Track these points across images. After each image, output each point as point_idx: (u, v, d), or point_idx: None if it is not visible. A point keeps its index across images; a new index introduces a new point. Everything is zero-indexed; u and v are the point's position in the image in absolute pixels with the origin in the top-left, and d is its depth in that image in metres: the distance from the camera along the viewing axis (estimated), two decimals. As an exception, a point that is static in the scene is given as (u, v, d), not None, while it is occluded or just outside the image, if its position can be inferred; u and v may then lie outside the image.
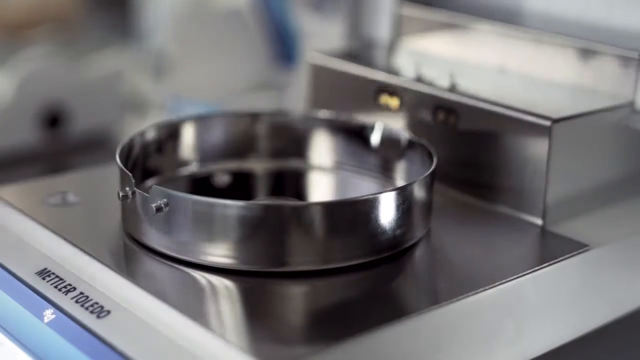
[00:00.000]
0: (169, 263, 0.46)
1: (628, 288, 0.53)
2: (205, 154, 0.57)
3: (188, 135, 0.57)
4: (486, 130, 0.54)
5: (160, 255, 0.46)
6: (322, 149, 0.58)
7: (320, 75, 0.65)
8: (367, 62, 0.67)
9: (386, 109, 0.60)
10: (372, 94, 0.60)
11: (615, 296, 0.53)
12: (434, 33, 0.67)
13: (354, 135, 0.57)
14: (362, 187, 0.56)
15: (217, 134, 0.58)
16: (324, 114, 0.59)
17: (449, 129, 0.56)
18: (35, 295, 0.45)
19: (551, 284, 0.48)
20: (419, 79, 0.61)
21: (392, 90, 0.60)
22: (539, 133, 0.52)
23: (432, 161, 0.50)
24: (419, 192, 0.48)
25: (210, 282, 0.45)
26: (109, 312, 0.43)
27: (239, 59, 1.04)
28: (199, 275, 0.45)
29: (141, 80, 1.08)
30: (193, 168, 0.57)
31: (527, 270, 0.46)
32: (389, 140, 0.56)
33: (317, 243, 0.45)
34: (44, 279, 0.46)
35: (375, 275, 0.46)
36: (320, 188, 0.59)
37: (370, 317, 0.41)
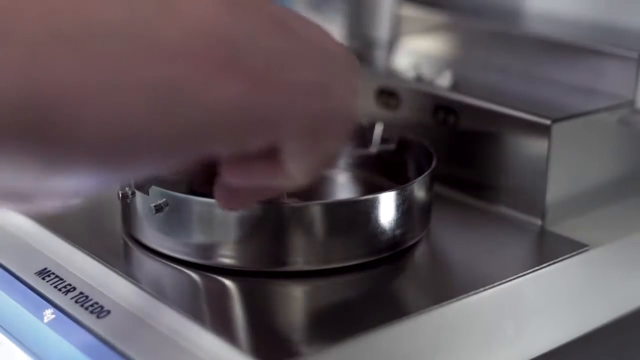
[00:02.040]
0: (169, 263, 0.46)
1: (628, 288, 0.53)
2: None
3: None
4: (486, 130, 0.54)
5: (160, 255, 0.46)
6: (322, 149, 0.58)
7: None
8: (367, 62, 0.67)
9: (386, 109, 0.60)
10: (372, 94, 0.60)
11: (615, 296, 0.53)
12: (434, 33, 0.67)
13: (353, 135, 0.57)
14: (361, 187, 0.56)
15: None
16: (323, 114, 0.59)
17: (449, 129, 0.56)
18: (35, 295, 0.45)
19: (551, 284, 0.48)
20: (419, 79, 0.61)
21: (391, 90, 0.60)
22: (539, 132, 0.52)
23: (431, 161, 0.50)
24: (418, 192, 0.48)
25: (209, 282, 0.45)
26: (108, 312, 0.43)
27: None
28: (198, 275, 0.45)
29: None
30: (193, 168, 0.57)
31: (527, 270, 0.46)
32: (389, 140, 0.56)
33: (317, 243, 0.45)
34: (43, 279, 0.46)
35: (375, 275, 0.46)
36: (320, 188, 0.59)
37: (370, 317, 0.41)
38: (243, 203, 0.40)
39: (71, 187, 0.32)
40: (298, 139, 0.34)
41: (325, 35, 0.36)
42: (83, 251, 0.47)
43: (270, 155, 0.34)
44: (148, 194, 0.46)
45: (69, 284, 0.45)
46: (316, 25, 0.36)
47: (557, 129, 0.51)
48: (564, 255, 0.48)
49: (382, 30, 0.70)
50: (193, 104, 0.31)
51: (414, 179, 0.48)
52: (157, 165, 0.33)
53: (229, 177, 0.35)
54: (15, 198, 0.31)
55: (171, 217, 0.45)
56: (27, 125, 0.28)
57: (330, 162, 0.38)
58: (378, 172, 0.56)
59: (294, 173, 0.35)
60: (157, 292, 0.44)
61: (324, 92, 0.35)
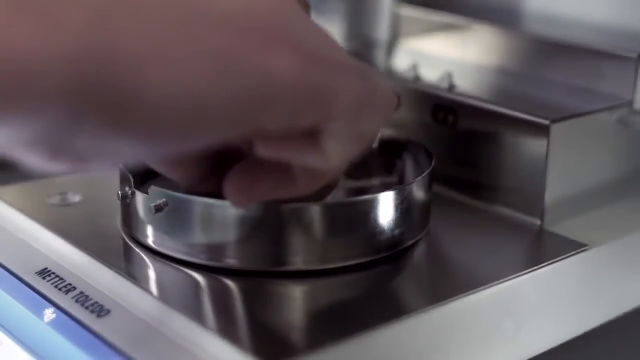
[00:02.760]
0: (169, 263, 0.46)
1: (627, 287, 0.54)
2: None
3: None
4: (485, 130, 0.54)
5: (160, 255, 0.47)
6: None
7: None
8: (365, 62, 0.67)
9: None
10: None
11: (613, 295, 0.53)
12: (433, 33, 0.67)
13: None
14: (360, 187, 0.56)
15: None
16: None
17: (448, 129, 0.56)
18: (36, 295, 0.45)
19: (550, 284, 0.48)
20: (418, 79, 0.61)
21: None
22: (538, 133, 0.52)
23: (430, 161, 0.50)
24: (417, 192, 0.48)
25: (209, 282, 0.45)
26: (108, 311, 0.43)
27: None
28: (198, 274, 0.45)
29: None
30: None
31: (526, 269, 0.47)
32: (387, 140, 0.56)
33: (317, 243, 0.45)
34: (44, 278, 0.46)
35: (374, 275, 0.46)
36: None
37: (370, 317, 0.42)
38: (254, 197, 0.40)
39: (127, 151, 0.33)
40: (343, 117, 0.36)
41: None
42: (83, 251, 0.47)
43: (310, 133, 0.36)
44: (148, 193, 0.46)
45: (69, 284, 0.46)
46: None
47: (556, 129, 0.52)
48: (563, 255, 0.48)
49: (381, 30, 0.70)
50: (253, 74, 0.32)
51: (413, 179, 0.48)
52: (213, 135, 0.33)
53: (262, 149, 0.36)
54: (70, 157, 0.32)
55: (171, 217, 0.45)
56: (88, 85, 0.29)
57: (365, 144, 0.39)
58: (376, 172, 0.56)
59: (331, 151, 0.36)
60: (157, 291, 0.44)
61: (366, 75, 0.37)
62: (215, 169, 0.42)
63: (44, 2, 0.29)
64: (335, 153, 0.37)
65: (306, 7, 0.42)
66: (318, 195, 0.42)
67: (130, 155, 0.34)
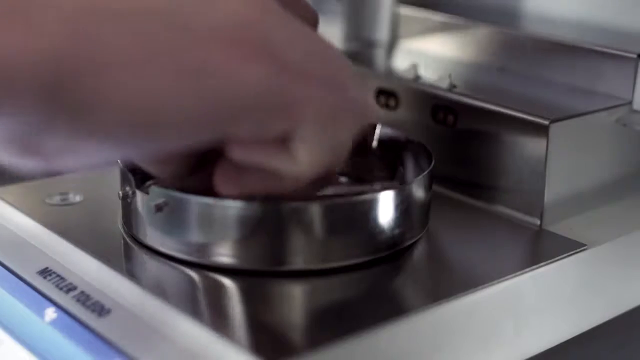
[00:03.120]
0: (169, 262, 0.46)
1: (626, 286, 0.54)
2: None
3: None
4: (484, 130, 0.55)
5: (161, 255, 0.47)
6: (321, 149, 0.58)
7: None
8: (366, 63, 0.67)
9: (386, 109, 0.60)
10: (371, 95, 0.61)
11: (612, 295, 0.53)
12: (433, 34, 0.67)
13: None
14: (360, 187, 0.56)
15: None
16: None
17: (448, 129, 0.56)
18: (37, 294, 0.45)
19: (549, 283, 0.48)
20: (418, 79, 0.61)
21: (391, 91, 0.60)
22: (537, 133, 0.52)
23: (430, 161, 0.50)
24: (417, 192, 0.48)
25: (209, 281, 0.45)
26: (109, 310, 0.43)
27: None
28: (198, 274, 0.45)
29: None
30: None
31: (525, 269, 0.47)
32: (387, 140, 0.56)
33: (316, 242, 0.45)
34: (45, 278, 0.46)
35: (374, 274, 0.46)
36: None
37: (370, 316, 0.42)
38: (243, 189, 0.41)
39: (99, 151, 0.34)
40: (313, 124, 0.36)
41: (336, 49, 0.39)
42: (84, 250, 0.47)
43: (282, 139, 0.36)
44: (148, 193, 0.46)
45: (70, 283, 0.46)
46: (328, 41, 0.39)
47: (555, 129, 0.52)
48: (562, 254, 0.49)
49: (381, 31, 0.70)
50: (221, 84, 0.33)
51: (413, 179, 0.48)
52: (180, 141, 0.34)
53: (235, 153, 0.36)
54: (41, 156, 0.33)
55: (171, 216, 0.45)
56: (60, 88, 0.30)
57: (338, 155, 0.39)
58: (376, 172, 0.56)
59: (301, 158, 0.37)
60: (158, 291, 0.44)
61: (342, 86, 0.37)
62: (201, 166, 0.42)
63: (21, 7, 0.29)
64: (305, 159, 0.37)
65: (314, 18, 0.42)
66: (312, 189, 0.43)
67: (102, 155, 0.35)
